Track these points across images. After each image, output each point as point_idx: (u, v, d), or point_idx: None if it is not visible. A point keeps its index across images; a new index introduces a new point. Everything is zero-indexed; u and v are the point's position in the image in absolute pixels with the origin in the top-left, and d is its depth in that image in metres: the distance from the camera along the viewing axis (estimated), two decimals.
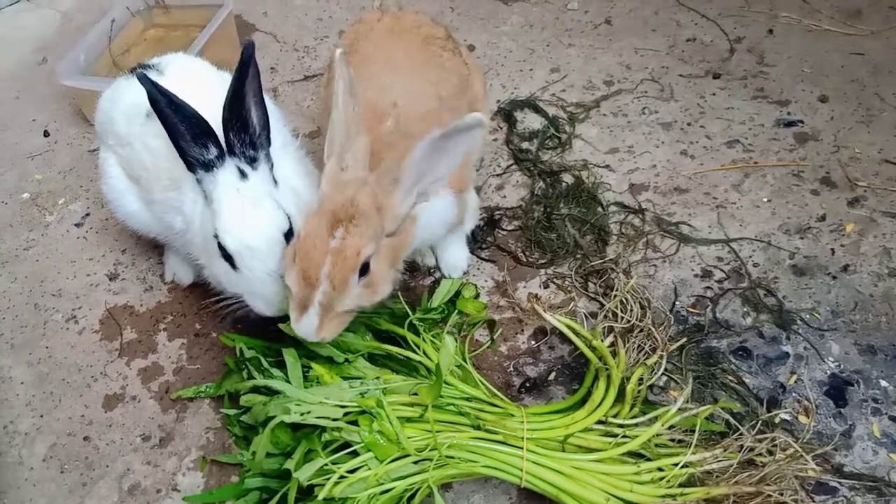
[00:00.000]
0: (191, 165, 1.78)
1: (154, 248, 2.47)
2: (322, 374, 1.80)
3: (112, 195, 2.18)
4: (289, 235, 1.76)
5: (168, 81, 2.04)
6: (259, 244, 1.74)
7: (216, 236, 1.74)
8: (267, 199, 1.78)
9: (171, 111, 1.72)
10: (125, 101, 2.08)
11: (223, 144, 1.77)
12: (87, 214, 2.73)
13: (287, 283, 1.67)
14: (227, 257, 1.76)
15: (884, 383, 1.97)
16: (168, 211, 1.99)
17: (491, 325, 2.18)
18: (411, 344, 1.90)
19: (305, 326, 1.67)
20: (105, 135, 2.17)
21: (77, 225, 2.70)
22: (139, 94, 2.03)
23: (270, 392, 1.82)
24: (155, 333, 2.29)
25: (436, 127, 1.60)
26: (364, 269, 1.66)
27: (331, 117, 1.75)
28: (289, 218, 1.78)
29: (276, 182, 1.84)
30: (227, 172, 1.77)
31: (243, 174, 1.78)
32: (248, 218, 1.75)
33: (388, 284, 1.76)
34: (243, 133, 1.78)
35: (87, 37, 3.19)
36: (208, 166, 1.77)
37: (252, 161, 1.80)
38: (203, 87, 2.06)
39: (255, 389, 1.86)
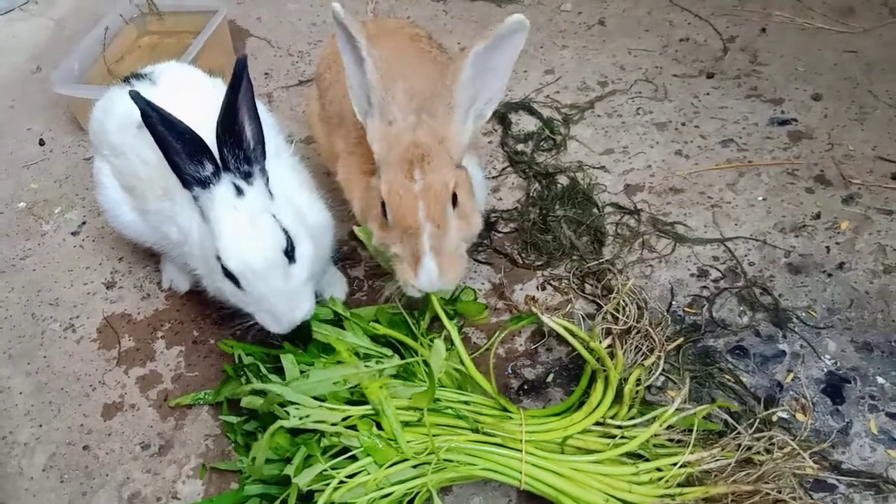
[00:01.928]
0: (186, 182, 1.76)
1: (151, 256, 2.47)
2: (342, 351, 1.83)
3: (107, 205, 2.19)
4: (288, 252, 1.75)
5: (161, 90, 2.05)
6: (260, 265, 1.71)
7: (218, 258, 1.72)
8: (264, 216, 1.75)
9: (164, 128, 1.71)
10: (118, 111, 2.07)
11: (218, 160, 1.75)
12: (84, 223, 2.73)
13: (392, 251, 1.71)
14: (231, 277, 1.75)
15: (880, 380, 1.97)
16: (163, 221, 1.99)
17: (519, 319, 2.14)
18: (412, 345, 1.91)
19: (427, 276, 1.68)
20: (99, 145, 2.17)
21: (73, 233, 2.70)
22: (132, 104, 2.03)
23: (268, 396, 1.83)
24: (153, 341, 2.29)
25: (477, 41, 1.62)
26: (454, 201, 1.70)
27: (347, 80, 1.77)
28: (286, 233, 1.76)
29: (271, 195, 1.82)
30: (223, 189, 1.74)
31: (239, 190, 1.75)
32: (248, 239, 1.72)
33: (477, 216, 1.80)
34: (237, 148, 1.76)
35: (81, 45, 3.19)
36: (204, 183, 1.75)
37: (247, 176, 1.78)
38: (196, 96, 2.07)
39: (255, 394, 1.86)
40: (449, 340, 1.99)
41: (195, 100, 2.05)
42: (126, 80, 2.13)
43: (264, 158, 1.83)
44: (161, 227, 2.01)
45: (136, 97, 1.71)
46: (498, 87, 1.79)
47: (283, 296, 1.77)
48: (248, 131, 1.79)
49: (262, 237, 1.73)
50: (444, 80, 1.73)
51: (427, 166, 1.67)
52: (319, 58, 2.33)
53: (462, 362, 1.90)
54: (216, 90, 2.13)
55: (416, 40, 2.23)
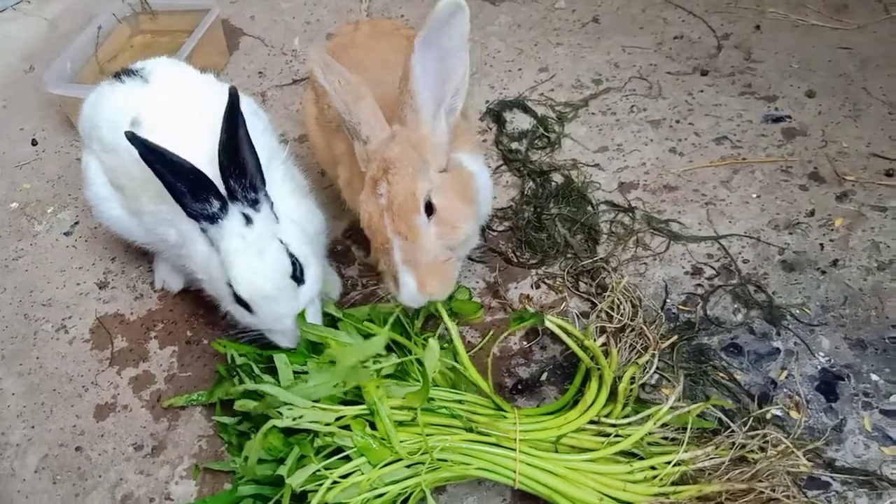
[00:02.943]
0: (194, 216, 1.78)
1: (143, 256, 2.46)
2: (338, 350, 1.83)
3: (95, 200, 2.18)
4: (297, 276, 1.80)
5: (153, 87, 2.04)
6: (270, 292, 1.76)
7: (229, 284, 1.76)
8: (273, 244, 1.79)
9: (166, 171, 1.71)
10: (109, 107, 2.06)
11: (223, 193, 1.76)
12: (76, 223, 2.72)
13: (380, 268, 1.72)
14: (243, 303, 1.79)
15: (874, 377, 1.97)
16: (159, 223, 1.98)
17: (521, 319, 2.08)
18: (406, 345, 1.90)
19: (407, 292, 1.66)
20: (89, 140, 2.16)
21: (66, 234, 2.69)
22: (124, 101, 2.03)
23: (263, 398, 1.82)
24: (146, 341, 2.28)
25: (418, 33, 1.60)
26: (429, 209, 1.66)
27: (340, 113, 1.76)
28: (293, 258, 1.80)
29: (277, 218, 1.84)
30: (232, 221, 1.77)
31: (248, 219, 1.78)
32: (258, 269, 1.76)
33: (467, 221, 1.74)
34: (243, 178, 1.78)
35: (74, 44, 3.18)
36: (212, 218, 1.77)
37: (254, 203, 1.80)
38: (189, 92, 2.06)
39: (247, 395, 1.86)
40: (445, 339, 1.99)
41: (188, 96, 2.05)
42: (117, 75, 2.11)
43: (265, 183, 1.84)
44: (157, 228, 2.00)
45: (132, 139, 1.69)
46: (459, 77, 1.72)
47: (289, 317, 1.82)
48: (250, 158, 1.80)
49: (272, 266, 1.77)
50: (402, 84, 1.69)
51: (391, 178, 1.63)
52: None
53: (459, 361, 1.90)
54: (208, 86, 2.13)
55: (412, 41, 2.21)
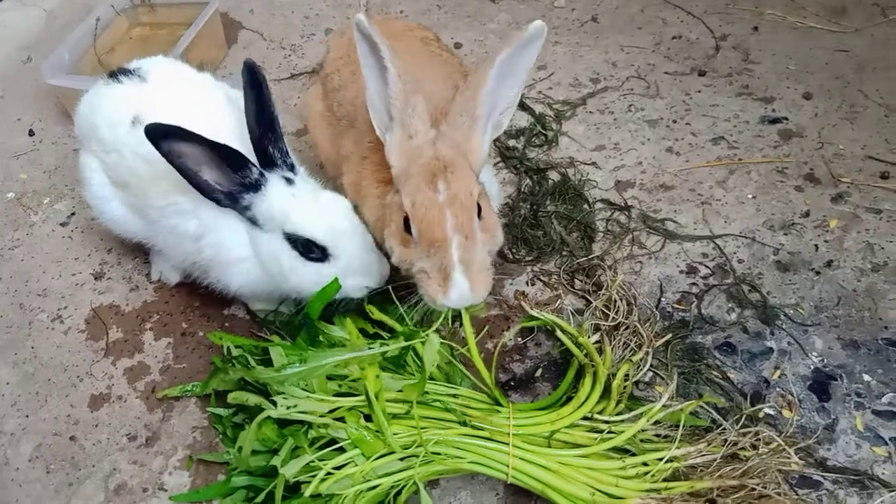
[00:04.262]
0: (230, 197, 1.80)
1: (139, 248, 2.45)
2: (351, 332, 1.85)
3: (95, 201, 2.18)
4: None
5: (151, 86, 2.05)
6: (346, 224, 1.83)
7: (297, 239, 1.79)
8: (323, 192, 1.87)
9: (202, 149, 1.73)
10: (108, 107, 2.07)
11: (256, 163, 1.82)
12: (73, 214, 2.72)
13: (417, 267, 1.65)
14: (314, 254, 1.82)
15: (867, 377, 1.98)
16: (173, 216, 1.98)
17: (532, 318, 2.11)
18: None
19: (459, 292, 1.60)
20: (87, 140, 2.16)
21: (62, 224, 2.69)
22: (122, 100, 2.04)
23: (258, 390, 1.82)
24: (141, 333, 2.28)
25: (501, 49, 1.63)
26: (478, 212, 1.66)
27: (368, 94, 1.75)
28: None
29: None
30: (275, 185, 1.82)
31: (290, 181, 1.84)
32: (322, 208, 1.83)
33: (500, 229, 1.77)
34: (280, 143, 1.85)
35: (72, 35, 3.18)
36: (255, 187, 1.80)
37: (293, 168, 1.88)
38: (187, 91, 2.06)
39: (243, 387, 1.86)
40: (441, 333, 1.99)
41: (187, 94, 2.05)
42: (113, 74, 2.12)
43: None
44: (169, 221, 2.00)
45: (156, 131, 1.70)
46: (514, 95, 1.77)
47: (370, 249, 1.87)
48: (280, 125, 1.86)
49: (334, 202, 1.85)
50: (464, 91, 1.70)
51: (451, 176, 1.62)
52: (327, 58, 2.29)
53: (452, 354, 1.90)
54: (206, 84, 2.13)
55: (427, 43, 2.21)
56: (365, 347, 1.81)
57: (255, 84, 1.81)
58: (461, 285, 1.60)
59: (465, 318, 1.76)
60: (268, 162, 1.83)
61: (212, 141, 1.73)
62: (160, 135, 1.70)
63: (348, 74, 2.11)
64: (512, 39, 1.63)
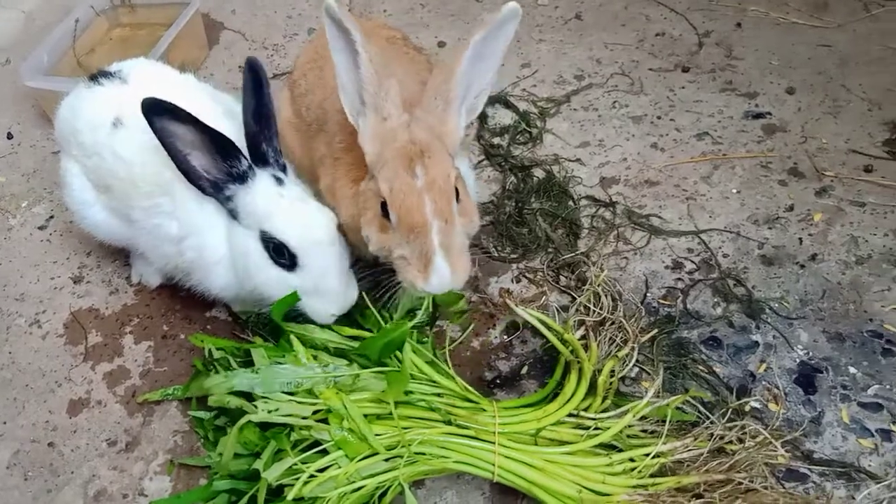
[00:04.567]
0: (215, 186, 1.78)
1: (119, 251, 2.41)
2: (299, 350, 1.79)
3: (76, 206, 2.15)
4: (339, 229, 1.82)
5: (132, 88, 2.02)
6: (323, 237, 1.77)
7: (270, 240, 1.75)
8: (312, 198, 1.83)
9: (195, 133, 1.71)
10: (88, 110, 2.04)
11: (247, 157, 1.80)
12: (51, 217, 2.68)
13: (396, 254, 1.64)
14: (285, 260, 1.77)
15: (852, 370, 1.98)
16: (155, 216, 1.94)
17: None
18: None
19: (439, 277, 1.60)
20: (67, 144, 2.13)
21: (40, 228, 2.64)
22: (102, 103, 2.02)
23: (240, 392, 1.79)
24: (121, 336, 2.25)
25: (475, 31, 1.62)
26: (456, 196, 1.65)
27: (339, 80, 1.73)
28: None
29: None
30: (264, 182, 1.79)
31: (279, 181, 1.81)
32: (304, 215, 1.78)
33: (476, 213, 1.76)
34: (275, 141, 1.83)
35: (51, 37, 3.13)
36: (242, 178, 1.78)
37: (284, 169, 1.85)
38: (169, 91, 2.02)
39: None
40: (425, 333, 1.97)
41: (169, 95, 2.01)
42: (94, 77, 2.09)
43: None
44: (152, 221, 1.96)
45: (153, 106, 1.68)
46: (488, 79, 1.77)
47: (340, 273, 1.82)
48: (275, 126, 1.84)
49: (319, 212, 1.80)
50: (439, 74, 1.71)
51: (429, 161, 1.62)
52: (295, 63, 2.29)
53: (435, 354, 1.88)
54: (188, 85, 2.10)
55: (393, 42, 2.20)
56: (318, 366, 1.78)
57: (256, 81, 1.80)
58: (442, 270, 1.60)
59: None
60: (260, 158, 1.81)
61: (206, 125, 1.71)
62: (155, 110, 1.68)
63: (315, 78, 2.10)
64: (486, 22, 1.63)
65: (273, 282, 1.81)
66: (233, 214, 1.82)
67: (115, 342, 2.23)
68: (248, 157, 1.80)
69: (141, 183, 1.92)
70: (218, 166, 1.77)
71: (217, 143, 1.74)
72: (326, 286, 1.81)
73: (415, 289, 1.64)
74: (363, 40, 1.64)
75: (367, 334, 1.88)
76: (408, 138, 1.65)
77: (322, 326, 1.88)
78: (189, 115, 1.70)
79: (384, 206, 1.65)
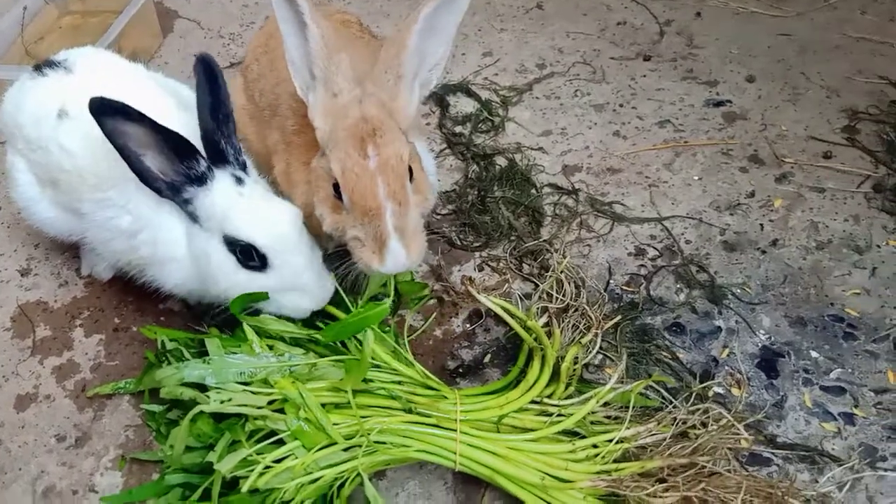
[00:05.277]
0: (172, 188, 1.68)
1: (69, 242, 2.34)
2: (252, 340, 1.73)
3: (24, 202, 2.07)
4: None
5: (78, 78, 1.94)
6: (291, 233, 1.71)
7: (236, 243, 1.68)
8: (275, 196, 1.76)
9: (148, 134, 1.61)
10: (32, 102, 1.96)
11: (205, 157, 1.70)
12: None
13: (350, 234, 1.61)
14: (253, 262, 1.70)
15: (814, 354, 1.98)
16: (106, 209, 1.86)
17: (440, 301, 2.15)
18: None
19: (396, 258, 1.58)
20: (13, 138, 2.04)
21: None
22: (48, 94, 1.93)
23: (193, 383, 1.73)
24: (70, 330, 2.17)
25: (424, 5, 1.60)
26: (409, 175, 1.62)
27: (287, 54, 1.69)
28: None
29: None
30: (223, 182, 1.71)
31: (239, 180, 1.72)
32: (269, 213, 1.71)
33: (431, 192, 1.73)
34: (232, 139, 1.73)
35: None
36: (201, 179, 1.68)
37: (244, 167, 1.76)
38: (117, 83, 1.95)
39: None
40: (387, 324, 1.94)
41: (116, 85, 1.93)
42: (38, 68, 2.00)
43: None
44: (103, 214, 1.87)
45: (102, 106, 1.57)
46: (442, 52, 1.74)
47: (314, 267, 1.76)
48: (234, 121, 1.75)
49: (284, 208, 1.73)
50: (389, 47, 1.67)
51: (381, 140, 1.58)
52: (248, 48, 2.24)
53: (397, 342, 1.84)
54: (137, 74, 2.03)
55: (348, 26, 2.17)
56: (273, 356, 1.73)
57: (210, 77, 1.70)
58: (397, 252, 1.58)
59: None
60: (219, 158, 1.71)
61: (160, 125, 1.61)
62: (104, 111, 1.58)
63: (267, 63, 2.06)
64: None
65: (242, 286, 1.73)
66: (193, 217, 1.73)
67: (64, 335, 2.15)
68: (205, 156, 1.71)
69: (89, 175, 1.83)
70: (175, 168, 1.67)
71: (173, 143, 1.64)
72: (302, 282, 1.75)
73: (370, 270, 1.62)
74: (311, 11, 1.60)
75: (342, 314, 1.84)
76: (359, 115, 1.60)
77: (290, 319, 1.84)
78: (141, 114, 1.60)
79: (336, 186, 1.61)
